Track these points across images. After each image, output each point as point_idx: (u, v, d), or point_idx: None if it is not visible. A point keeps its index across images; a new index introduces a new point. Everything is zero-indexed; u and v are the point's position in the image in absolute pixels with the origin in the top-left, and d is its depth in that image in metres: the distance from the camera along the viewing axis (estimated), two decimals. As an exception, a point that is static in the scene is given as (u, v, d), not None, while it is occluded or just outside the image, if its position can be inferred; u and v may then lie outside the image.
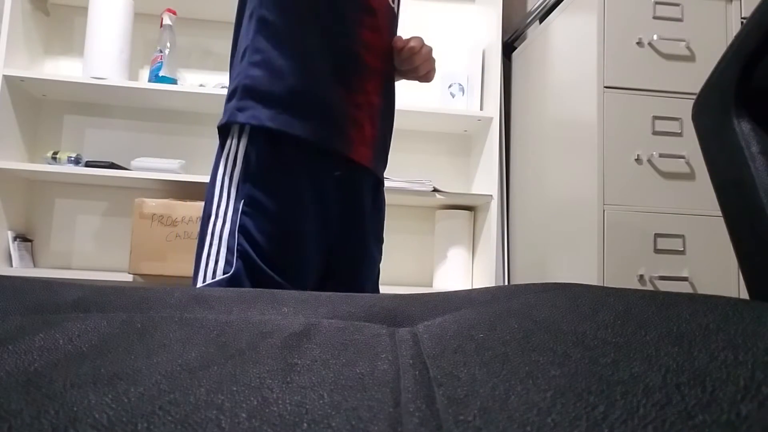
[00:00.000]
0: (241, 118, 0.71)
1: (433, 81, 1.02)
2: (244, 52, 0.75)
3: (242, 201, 0.70)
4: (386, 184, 1.76)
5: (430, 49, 0.89)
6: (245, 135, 0.72)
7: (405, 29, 2.28)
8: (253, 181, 0.71)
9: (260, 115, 0.70)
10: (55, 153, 1.75)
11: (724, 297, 0.28)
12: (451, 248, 1.90)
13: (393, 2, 0.89)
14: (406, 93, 2.05)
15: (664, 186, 1.37)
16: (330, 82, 0.76)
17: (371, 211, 0.85)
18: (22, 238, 1.79)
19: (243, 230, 0.69)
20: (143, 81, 1.90)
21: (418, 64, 0.87)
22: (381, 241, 0.90)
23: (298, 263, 0.73)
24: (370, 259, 0.87)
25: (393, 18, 0.89)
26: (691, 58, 1.42)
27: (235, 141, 0.72)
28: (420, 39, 0.88)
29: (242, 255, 0.69)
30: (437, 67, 1.06)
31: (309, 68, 0.74)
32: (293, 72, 0.72)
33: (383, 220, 0.91)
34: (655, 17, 1.42)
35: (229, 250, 0.69)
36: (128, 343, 0.27)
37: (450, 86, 1.98)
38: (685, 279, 1.33)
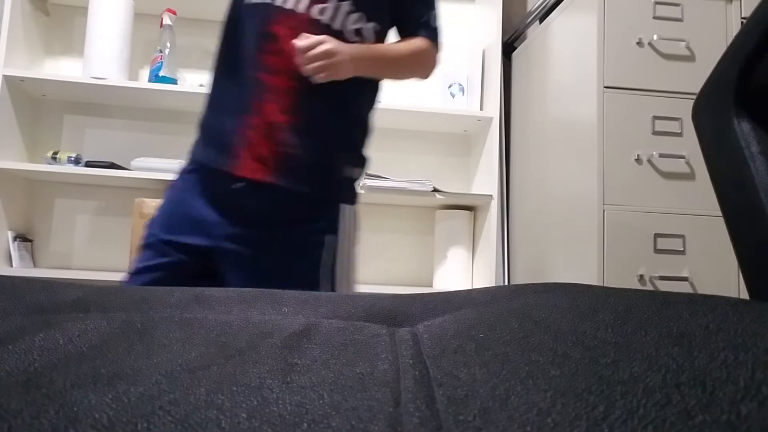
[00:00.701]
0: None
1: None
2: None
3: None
4: (386, 184, 1.77)
5: (326, 50, 0.87)
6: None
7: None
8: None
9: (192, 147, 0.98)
10: (55, 153, 1.75)
11: (724, 297, 0.28)
12: (451, 248, 1.90)
13: (320, 17, 0.91)
14: (407, 93, 2.05)
15: (664, 186, 1.37)
16: (225, 112, 0.92)
17: (269, 220, 0.90)
18: (22, 238, 1.79)
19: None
20: (143, 81, 1.90)
21: (305, 65, 0.88)
22: (279, 246, 0.90)
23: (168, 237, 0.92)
24: (253, 269, 0.90)
25: (314, 33, 0.90)
26: (691, 58, 1.42)
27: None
28: (314, 39, 0.88)
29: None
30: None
31: (213, 104, 0.95)
32: (205, 110, 0.96)
33: (302, 225, 0.91)
34: (655, 17, 1.42)
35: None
36: (128, 343, 0.27)
37: (450, 86, 1.98)
38: (685, 279, 1.33)
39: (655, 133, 1.39)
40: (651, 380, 0.19)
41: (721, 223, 0.46)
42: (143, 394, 0.20)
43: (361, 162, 1.00)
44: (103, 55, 1.71)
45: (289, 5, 0.90)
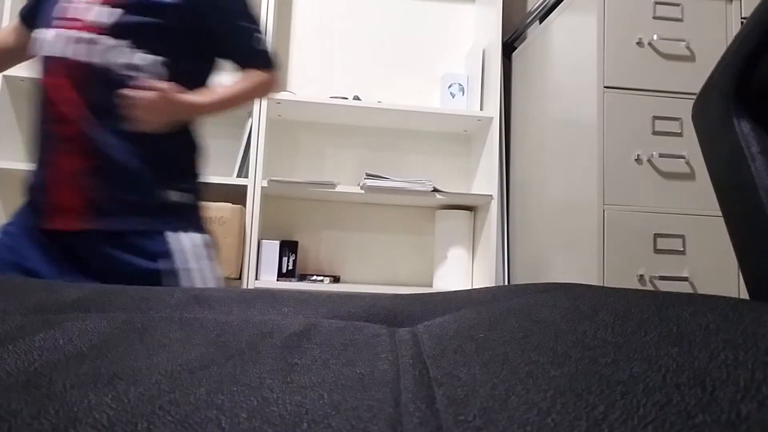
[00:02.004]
0: None
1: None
2: None
3: None
4: (386, 184, 1.77)
5: (155, 100, 0.88)
6: None
7: (406, 29, 2.26)
8: None
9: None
10: (55, 153, 1.75)
11: (724, 297, 0.28)
12: (451, 248, 1.90)
13: (80, 57, 0.91)
14: (407, 93, 2.05)
15: (664, 186, 1.37)
16: (35, 168, 0.93)
17: (101, 262, 0.91)
18: (22, 238, 1.79)
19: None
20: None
21: (139, 117, 0.90)
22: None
23: None
24: None
25: (99, 76, 0.90)
26: (691, 58, 1.42)
27: None
28: (143, 93, 0.88)
29: None
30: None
31: (31, 163, 0.94)
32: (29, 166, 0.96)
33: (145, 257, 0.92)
34: (655, 17, 1.42)
35: None
36: (128, 343, 0.27)
37: (450, 86, 1.98)
38: (685, 279, 1.33)
39: (655, 133, 1.39)
40: (651, 380, 0.19)
41: (721, 223, 0.46)
42: (143, 394, 0.20)
43: (187, 187, 0.99)
44: (103, 55, 1.71)
45: (58, 52, 0.90)
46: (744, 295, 0.91)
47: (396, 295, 0.42)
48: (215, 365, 0.24)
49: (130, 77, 0.91)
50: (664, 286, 1.32)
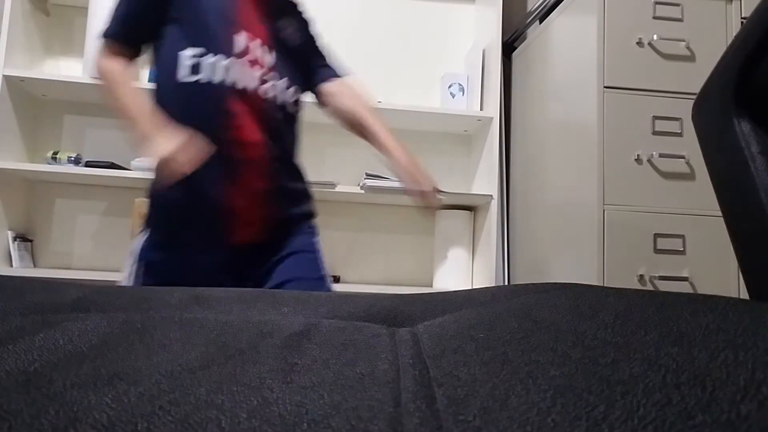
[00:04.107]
0: (146, 221, 1.02)
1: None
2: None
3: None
4: (386, 184, 1.77)
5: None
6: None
7: (406, 29, 2.26)
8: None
9: (155, 222, 1.02)
10: (55, 153, 1.75)
11: (724, 297, 0.28)
12: (451, 248, 1.90)
13: (267, 95, 1.00)
14: (407, 93, 2.05)
15: (664, 186, 1.37)
16: (199, 187, 0.95)
17: (252, 267, 1.01)
18: (22, 238, 1.79)
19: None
20: (143, 81, 1.90)
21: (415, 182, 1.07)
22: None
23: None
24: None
25: (270, 112, 1.00)
26: (691, 58, 1.42)
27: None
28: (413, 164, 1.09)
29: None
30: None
31: (189, 183, 0.95)
32: (165, 185, 0.96)
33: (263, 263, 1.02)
34: (655, 17, 1.42)
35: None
36: (128, 343, 0.27)
37: (450, 86, 1.98)
38: (685, 279, 1.33)
39: (655, 133, 1.38)
40: (651, 380, 0.19)
41: (721, 223, 0.46)
42: (143, 394, 0.20)
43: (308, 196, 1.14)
44: (103, 55, 1.71)
45: (240, 85, 0.96)
46: (744, 295, 0.91)
47: (396, 295, 0.42)
48: (215, 365, 0.24)
49: (290, 112, 1.04)
50: (664, 286, 1.32)
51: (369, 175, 1.79)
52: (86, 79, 1.69)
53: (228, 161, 0.95)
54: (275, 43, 1.01)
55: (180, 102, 0.95)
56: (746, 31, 0.41)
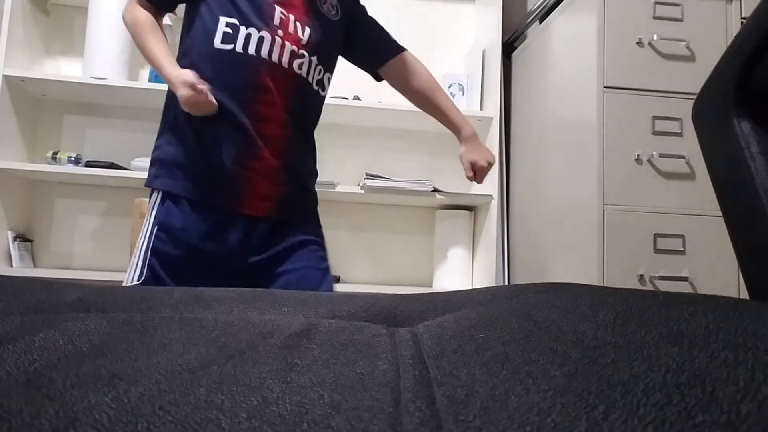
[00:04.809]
0: (155, 184, 0.99)
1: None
2: (161, 131, 1.02)
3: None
4: (386, 184, 1.77)
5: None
6: (157, 193, 1.00)
7: (406, 29, 2.27)
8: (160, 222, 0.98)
9: (167, 182, 0.98)
10: (55, 153, 1.75)
11: (724, 297, 0.28)
12: (451, 248, 1.90)
13: (299, 71, 1.00)
14: (406, 93, 2.05)
15: (664, 186, 1.37)
16: (217, 154, 0.96)
17: (267, 245, 1.00)
18: (22, 238, 1.79)
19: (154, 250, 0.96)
20: (143, 81, 1.90)
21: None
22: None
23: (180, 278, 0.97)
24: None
25: (297, 88, 1.00)
26: (691, 58, 1.42)
27: (154, 195, 1.00)
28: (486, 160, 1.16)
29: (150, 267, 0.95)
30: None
31: (195, 143, 0.96)
32: (179, 145, 0.98)
33: (292, 244, 1.03)
34: (655, 17, 1.42)
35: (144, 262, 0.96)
36: (128, 343, 0.27)
37: (450, 86, 1.97)
38: (685, 279, 1.33)
39: (655, 133, 1.38)
40: (651, 380, 0.19)
41: (721, 223, 0.46)
42: (143, 394, 0.20)
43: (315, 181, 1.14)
44: (103, 55, 1.71)
45: (274, 59, 0.96)
46: (744, 295, 0.91)
47: (396, 295, 0.42)
48: (215, 365, 0.24)
49: (317, 90, 1.04)
50: (664, 286, 1.32)
51: (369, 175, 1.79)
52: (86, 79, 1.69)
53: (249, 134, 0.95)
54: (311, 18, 1.01)
55: (212, 68, 0.94)
56: (746, 31, 0.41)
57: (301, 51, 0.98)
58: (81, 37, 1.79)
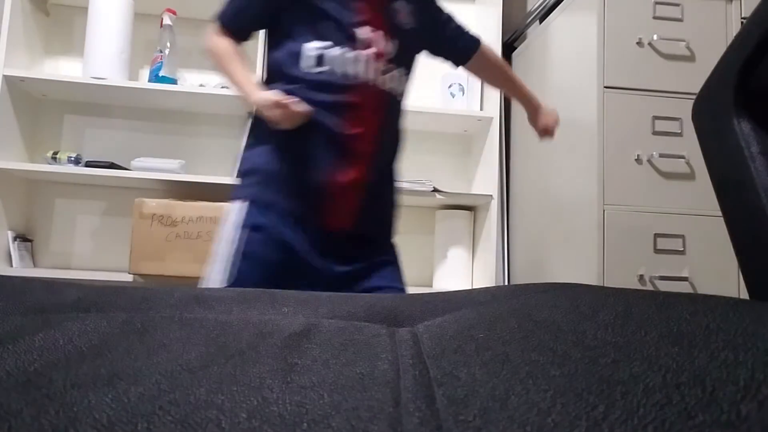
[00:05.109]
0: (245, 193, 0.99)
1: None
2: (249, 145, 1.04)
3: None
4: (386, 184, 1.77)
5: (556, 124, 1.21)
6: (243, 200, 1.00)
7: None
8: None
9: (256, 191, 0.99)
10: (55, 153, 1.75)
11: (724, 297, 0.28)
12: (451, 248, 1.90)
13: (388, 86, 1.00)
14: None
15: (664, 186, 1.37)
16: (307, 168, 0.97)
17: (352, 258, 1.03)
18: (22, 238, 1.79)
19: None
20: (143, 81, 1.90)
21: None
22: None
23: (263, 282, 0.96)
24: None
25: (386, 104, 1.02)
26: (691, 58, 1.42)
27: (239, 202, 0.99)
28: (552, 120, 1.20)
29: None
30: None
31: (285, 156, 0.97)
32: (271, 157, 0.98)
33: (366, 257, 1.05)
34: (655, 17, 1.42)
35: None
36: (128, 343, 0.27)
37: (450, 86, 1.98)
38: (685, 279, 1.33)
39: (655, 133, 1.38)
40: (651, 380, 0.19)
41: (721, 223, 0.46)
42: (143, 394, 0.20)
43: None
44: (103, 55, 1.71)
45: (362, 77, 0.97)
46: (744, 295, 0.91)
47: (396, 295, 0.42)
48: (215, 365, 0.24)
49: (401, 102, 1.05)
50: (664, 286, 1.32)
51: (369, 175, 1.79)
52: (86, 79, 1.69)
53: (339, 150, 0.96)
54: (392, 31, 1.01)
55: (302, 90, 0.94)
56: (746, 31, 0.41)
57: (387, 66, 0.99)
58: (81, 37, 1.79)
